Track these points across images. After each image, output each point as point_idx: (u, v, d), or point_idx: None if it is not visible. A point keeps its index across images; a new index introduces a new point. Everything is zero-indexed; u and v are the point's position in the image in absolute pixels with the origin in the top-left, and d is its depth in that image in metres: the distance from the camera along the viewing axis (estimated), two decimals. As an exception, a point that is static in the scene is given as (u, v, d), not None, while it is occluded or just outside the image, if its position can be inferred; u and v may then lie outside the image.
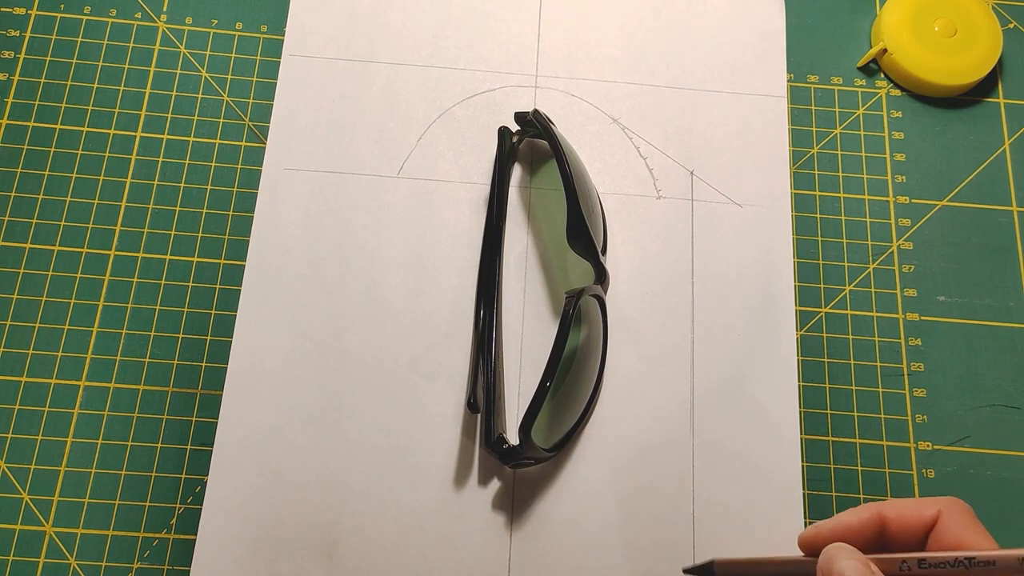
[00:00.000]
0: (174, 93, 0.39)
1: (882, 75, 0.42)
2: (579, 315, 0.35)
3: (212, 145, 0.39)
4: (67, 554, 0.33)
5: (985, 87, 0.42)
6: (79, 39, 0.40)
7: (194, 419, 0.35)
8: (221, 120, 0.39)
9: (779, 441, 0.35)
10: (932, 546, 0.24)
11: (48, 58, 0.40)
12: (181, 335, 0.36)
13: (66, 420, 0.35)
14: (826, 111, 0.41)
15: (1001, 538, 0.35)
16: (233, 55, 0.40)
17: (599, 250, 0.35)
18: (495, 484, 0.34)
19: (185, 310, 0.36)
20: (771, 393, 0.36)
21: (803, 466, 0.35)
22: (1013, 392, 0.37)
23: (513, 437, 0.32)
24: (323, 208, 0.38)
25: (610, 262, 0.37)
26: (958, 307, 0.38)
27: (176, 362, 0.36)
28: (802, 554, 0.25)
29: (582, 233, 0.33)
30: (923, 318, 0.38)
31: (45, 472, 0.34)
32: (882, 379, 0.37)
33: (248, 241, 0.37)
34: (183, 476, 0.34)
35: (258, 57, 0.40)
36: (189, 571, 0.32)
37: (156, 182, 0.38)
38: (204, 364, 0.36)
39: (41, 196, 0.38)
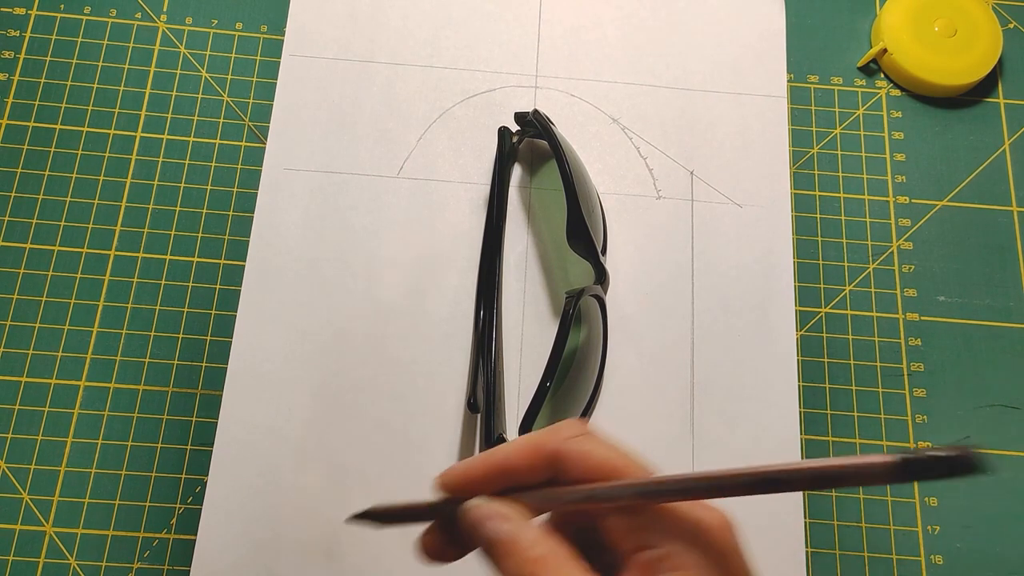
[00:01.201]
0: (174, 93, 0.39)
1: (882, 75, 0.42)
2: (579, 315, 0.35)
3: (212, 145, 0.39)
4: (67, 554, 0.33)
5: (985, 87, 0.42)
6: (79, 39, 0.40)
7: (194, 419, 0.35)
8: (221, 120, 0.39)
9: (779, 441, 0.35)
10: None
11: (48, 58, 0.40)
12: (181, 335, 0.36)
13: (66, 420, 0.35)
14: (826, 111, 0.41)
15: (1002, 538, 0.35)
16: (233, 55, 0.40)
17: (599, 250, 0.35)
18: (495, 484, 0.34)
19: (185, 310, 0.36)
20: (771, 393, 0.36)
21: (803, 466, 0.35)
22: (1013, 392, 0.37)
23: (513, 437, 0.32)
24: (323, 208, 0.38)
25: (610, 262, 0.37)
26: (958, 307, 0.38)
27: (176, 362, 0.36)
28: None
29: (582, 233, 0.33)
30: (923, 318, 0.38)
31: (45, 472, 0.34)
32: (882, 379, 0.37)
33: (248, 241, 0.37)
34: (183, 476, 0.34)
35: (258, 57, 0.40)
36: (189, 571, 0.32)
37: (156, 182, 0.38)
38: (204, 364, 0.35)
39: (41, 196, 0.38)
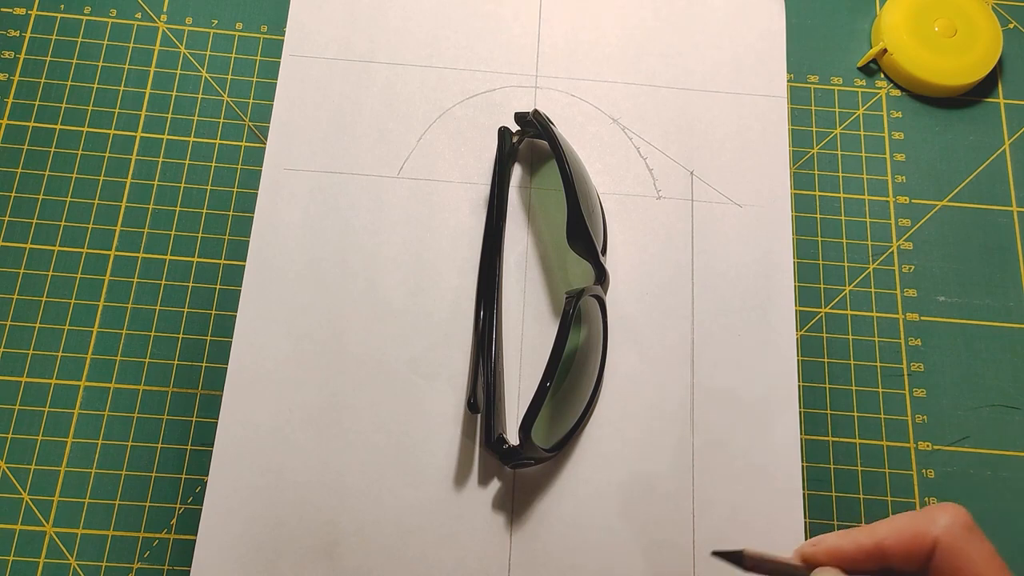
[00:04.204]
0: (174, 93, 0.39)
1: (882, 75, 0.42)
2: (579, 315, 0.35)
3: (212, 145, 0.39)
4: (67, 554, 0.33)
5: (985, 87, 0.42)
6: (79, 39, 0.40)
7: (194, 419, 0.35)
8: (221, 120, 0.39)
9: (779, 441, 0.35)
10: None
11: (48, 58, 0.40)
12: (181, 335, 0.36)
13: (66, 420, 0.35)
14: (826, 111, 0.41)
15: (1002, 538, 0.35)
16: (233, 55, 0.40)
17: (599, 250, 0.35)
18: (495, 484, 0.34)
19: (185, 310, 0.36)
20: (771, 393, 0.36)
21: (803, 466, 0.35)
22: (1013, 392, 0.37)
23: (513, 437, 0.32)
24: (323, 208, 0.38)
25: (610, 262, 0.37)
26: (958, 307, 0.38)
27: (176, 362, 0.36)
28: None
29: (582, 233, 0.33)
30: (923, 318, 0.38)
31: (45, 472, 0.34)
32: (882, 379, 0.37)
33: (248, 241, 0.37)
34: (183, 476, 0.34)
35: (258, 57, 0.40)
36: (189, 571, 0.32)
37: (156, 182, 0.38)
38: (204, 364, 0.36)
39: (41, 196, 0.38)
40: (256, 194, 0.38)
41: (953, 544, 0.24)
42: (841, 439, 0.36)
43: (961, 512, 0.25)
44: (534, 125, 0.37)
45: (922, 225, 0.39)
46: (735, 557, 0.27)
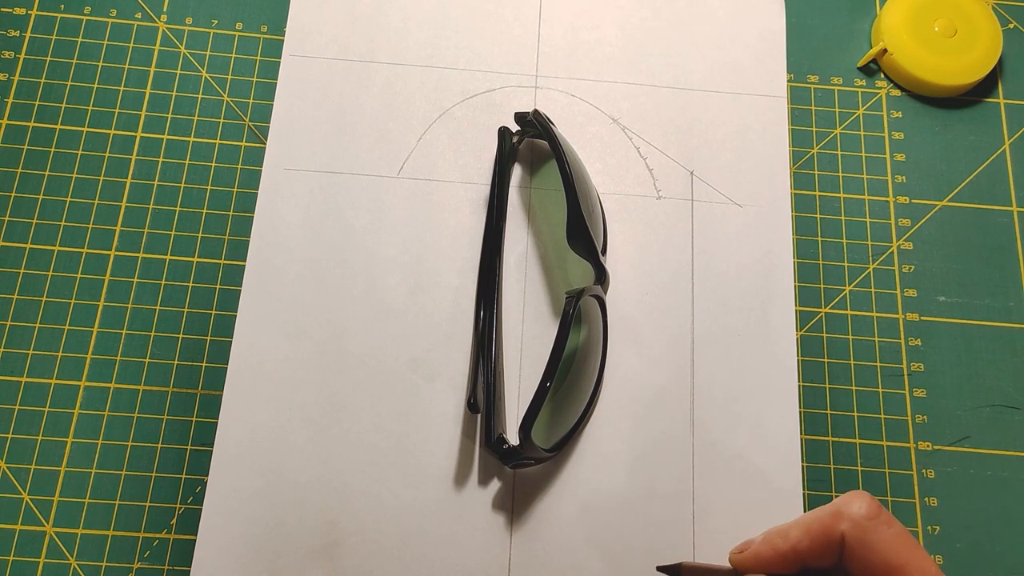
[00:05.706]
0: (174, 93, 0.39)
1: (882, 75, 0.42)
2: (579, 315, 0.35)
3: (212, 145, 0.39)
4: (67, 554, 0.33)
5: (985, 87, 0.42)
6: (79, 39, 0.40)
7: (194, 419, 0.35)
8: (221, 120, 0.39)
9: (779, 441, 0.35)
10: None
11: (48, 58, 0.40)
12: (181, 335, 0.36)
13: (66, 420, 0.35)
14: (826, 111, 0.41)
15: (1002, 538, 0.35)
16: (233, 55, 0.40)
17: (599, 250, 0.35)
18: (495, 484, 0.34)
19: (185, 310, 0.36)
20: (771, 393, 0.36)
21: (803, 466, 0.35)
22: (1013, 392, 0.37)
23: (513, 437, 0.32)
24: (323, 208, 0.38)
25: (610, 262, 0.37)
26: (958, 307, 0.38)
27: (176, 362, 0.36)
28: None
29: (582, 233, 0.33)
30: (923, 318, 0.38)
31: (45, 472, 0.34)
32: (882, 379, 0.37)
33: (248, 241, 0.37)
34: (183, 476, 0.34)
35: (258, 57, 0.40)
36: (189, 571, 0.32)
37: (156, 182, 0.38)
38: (204, 364, 0.36)
39: (41, 196, 0.38)
40: (256, 194, 0.38)
41: (858, 536, 0.24)
42: (841, 439, 0.36)
43: (865, 501, 0.25)
44: (534, 125, 0.37)
45: (922, 225, 0.39)
46: (674, 570, 0.29)
